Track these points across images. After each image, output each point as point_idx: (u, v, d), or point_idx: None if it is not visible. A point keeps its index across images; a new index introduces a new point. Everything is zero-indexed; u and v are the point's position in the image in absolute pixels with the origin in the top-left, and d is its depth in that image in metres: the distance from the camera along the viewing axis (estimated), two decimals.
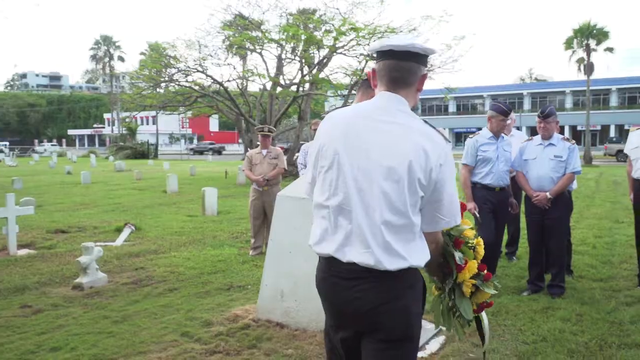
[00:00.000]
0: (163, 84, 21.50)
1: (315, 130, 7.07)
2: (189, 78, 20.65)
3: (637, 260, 5.41)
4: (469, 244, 2.13)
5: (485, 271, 2.16)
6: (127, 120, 42.72)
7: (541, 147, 5.09)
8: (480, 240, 2.20)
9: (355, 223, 1.83)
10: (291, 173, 19.20)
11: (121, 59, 68.81)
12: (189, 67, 19.93)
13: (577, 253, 6.42)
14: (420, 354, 3.63)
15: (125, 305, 4.81)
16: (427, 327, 4.07)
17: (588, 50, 45.89)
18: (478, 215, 5.06)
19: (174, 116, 39.19)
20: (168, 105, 23.00)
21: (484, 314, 2.40)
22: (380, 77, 1.93)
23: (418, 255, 1.85)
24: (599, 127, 52.90)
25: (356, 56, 20.08)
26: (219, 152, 56.32)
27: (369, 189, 1.82)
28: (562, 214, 5.10)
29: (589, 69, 46.29)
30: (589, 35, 45.14)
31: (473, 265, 2.11)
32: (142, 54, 28.47)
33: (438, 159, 1.82)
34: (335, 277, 1.89)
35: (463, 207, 2.13)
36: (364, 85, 3.04)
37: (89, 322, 4.35)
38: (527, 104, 60.59)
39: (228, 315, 4.44)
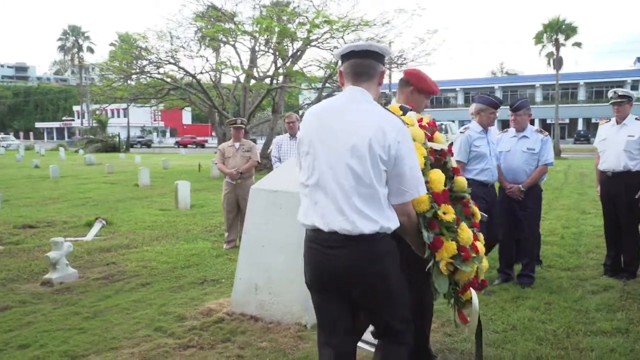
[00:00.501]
0: (134, 76, 21.09)
1: (289, 123, 7.06)
2: (161, 70, 20.31)
3: (603, 249, 5.58)
4: (450, 228, 2.37)
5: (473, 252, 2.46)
6: (97, 112, 41.87)
7: (515, 139, 5.19)
8: (464, 225, 2.51)
9: (330, 196, 2.16)
10: (265, 166, 19.15)
11: (90, 50, 67.13)
12: (160, 58, 19.60)
13: (545, 243, 6.57)
14: None
15: (96, 300, 4.74)
16: None
17: (557, 45, 46.77)
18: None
19: (145, 109, 38.50)
20: (139, 98, 22.59)
21: (474, 293, 2.64)
22: (346, 74, 2.29)
23: (387, 220, 2.17)
24: (567, 121, 54.08)
25: (330, 49, 20.05)
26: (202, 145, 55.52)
27: (338, 166, 2.15)
28: (535, 205, 5.21)
29: (558, 63, 47.22)
30: (558, 30, 45.99)
31: (451, 246, 2.38)
32: (112, 45, 27.98)
33: (396, 137, 2.13)
34: (320, 245, 2.20)
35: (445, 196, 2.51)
36: (400, 84, 3.16)
37: (59, 318, 4.27)
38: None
39: (202, 310, 4.41)
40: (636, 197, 5.02)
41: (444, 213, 2.42)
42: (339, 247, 2.15)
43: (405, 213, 2.26)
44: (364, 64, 2.24)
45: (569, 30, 45.95)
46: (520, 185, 5.06)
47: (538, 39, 47.60)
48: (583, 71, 58.98)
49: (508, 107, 5.31)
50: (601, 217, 5.56)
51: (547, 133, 5.36)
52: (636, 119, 5.18)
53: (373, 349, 3.54)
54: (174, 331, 3.97)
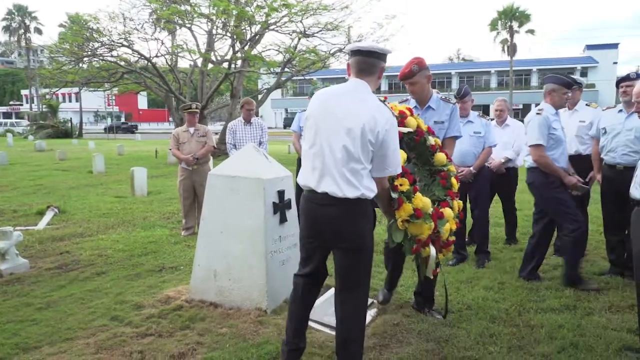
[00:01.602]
0: (85, 59, 20.29)
1: (247, 110, 6.95)
2: (114, 53, 19.60)
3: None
4: (404, 192, 2.93)
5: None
6: (47, 97, 40.20)
7: (460, 124, 5.30)
8: (419, 195, 3.01)
9: (326, 165, 2.69)
10: (224, 152, 18.90)
11: (38, 31, 64.20)
12: (113, 41, 18.92)
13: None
14: None
15: (49, 291, 4.60)
16: None
17: (511, 32, 47.84)
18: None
19: (99, 93, 37.13)
20: (92, 82, 21.73)
21: (432, 250, 3.11)
22: (352, 68, 2.81)
23: (367, 189, 2.70)
24: (521, 106, 55.58)
25: (289, 33, 19.89)
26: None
27: (335, 143, 2.67)
28: (483, 186, 5.39)
29: (512, 50, 48.37)
30: (512, 18, 47.00)
31: (407, 207, 2.93)
32: (61, 26, 26.84)
33: (384, 125, 2.64)
34: (314, 203, 2.77)
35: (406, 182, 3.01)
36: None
37: (9, 310, 4.12)
38: (455, 84, 62.56)
39: (160, 297, 4.35)
40: (586, 179, 5.22)
41: (401, 185, 2.96)
42: (327, 205, 2.70)
43: (381, 184, 2.83)
44: (367, 61, 2.76)
45: (523, 18, 47.09)
46: (471, 168, 5.22)
47: (493, 25, 48.62)
48: (536, 58, 60.70)
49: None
50: None
51: (489, 117, 5.53)
52: (586, 105, 5.37)
53: (327, 330, 3.61)
54: (131, 320, 3.89)
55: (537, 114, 4.53)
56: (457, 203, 3.52)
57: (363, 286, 2.85)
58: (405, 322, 3.82)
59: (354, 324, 2.83)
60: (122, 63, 19.55)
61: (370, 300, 4.18)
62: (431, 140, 3.43)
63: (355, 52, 2.78)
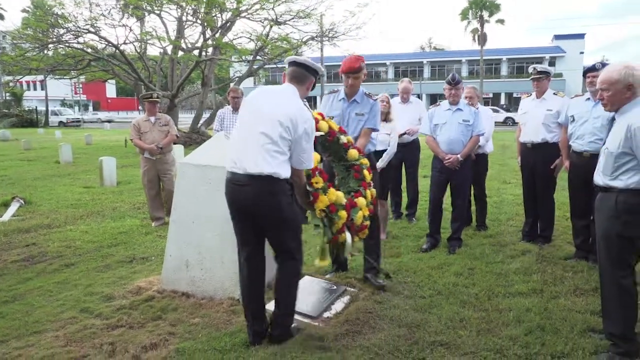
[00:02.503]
0: (50, 46, 19.69)
1: (234, 98, 6.95)
2: (80, 39, 19.06)
3: (522, 217, 5.93)
4: (317, 187, 3.27)
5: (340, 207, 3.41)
6: (10, 84, 38.91)
7: (450, 112, 5.37)
8: (332, 190, 3.38)
9: (248, 147, 3.05)
10: (195, 141, 18.66)
11: (0, 16, 62.11)
12: (79, 27, 18.38)
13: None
14: (326, 314, 3.75)
15: (15, 284, 4.50)
16: (333, 288, 4.22)
17: (482, 22, 48.33)
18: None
19: (65, 81, 36.04)
20: (57, 69, 21.05)
21: (348, 236, 3.51)
22: (287, 75, 3.28)
23: (282, 170, 3.04)
24: (491, 95, 56.39)
25: (260, 21, 19.68)
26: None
27: (258, 128, 3.05)
28: (467, 174, 5.46)
29: (482, 39, 48.90)
30: (482, 7, 47.43)
31: (323, 199, 3.29)
32: (24, 11, 25.88)
33: (303, 125, 3.05)
34: (235, 184, 3.08)
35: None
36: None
37: None
38: (426, 72, 63.08)
39: (131, 288, 4.29)
40: (552, 167, 5.34)
41: (316, 182, 3.30)
42: (246, 185, 3.02)
43: (300, 178, 3.21)
44: (299, 71, 3.26)
45: (493, 8, 47.59)
46: (459, 155, 5.26)
47: (464, 15, 49.04)
48: (505, 47, 61.54)
49: (444, 82, 5.47)
50: (521, 186, 5.89)
51: (477, 105, 5.60)
52: (554, 93, 5.47)
53: (307, 320, 3.63)
54: (102, 311, 3.84)
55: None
56: (370, 192, 3.89)
57: (293, 256, 3.21)
58: (377, 308, 3.86)
59: (288, 285, 3.25)
60: (89, 50, 19.00)
61: (343, 288, 4.22)
62: (343, 138, 3.82)
63: (291, 63, 3.28)
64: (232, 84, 22.90)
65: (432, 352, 3.19)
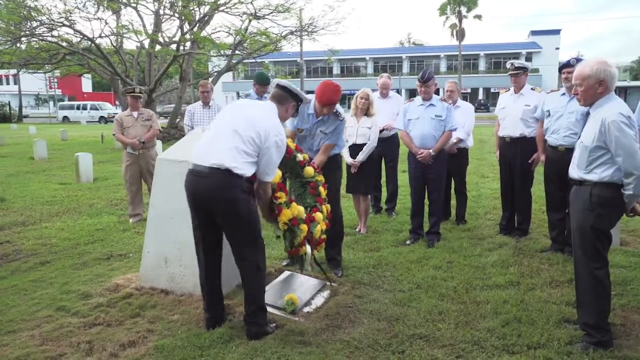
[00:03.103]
0: (23, 39, 19.22)
1: (203, 92, 6.89)
2: (55, 33, 18.63)
3: (500, 210, 6.01)
4: (280, 201, 3.45)
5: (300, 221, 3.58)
6: None
7: (422, 107, 5.40)
8: (294, 204, 3.56)
9: (219, 144, 3.17)
10: (173, 136, 18.46)
11: None
12: (53, 20, 17.94)
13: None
14: (306, 309, 3.76)
15: None
16: (313, 282, 4.23)
17: (460, 17, 48.70)
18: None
19: (39, 75, 35.25)
20: (31, 63, 20.56)
21: (308, 248, 3.68)
22: (271, 95, 3.54)
23: (244, 168, 3.13)
24: (469, 90, 56.94)
25: (239, 15, 19.50)
26: None
27: (231, 128, 3.20)
28: (441, 168, 5.50)
29: (461, 34, 49.31)
30: (460, 3, 47.76)
31: (287, 212, 3.46)
32: None
33: (274, 138, 3.19)
34: (196, 176, 3.17)
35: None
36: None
37: None
38: (406, 67, 63.36)
39: (108, 286, 4.24)
40: (529, 161, 5.42)
41: (279, 197, 3.47)
42: (206, 177, 3.11)
43: (266, 192, 3.37)
44: (281, 94, 3.50)
45: (471, 3, 47.98)
46: (431, 150, 5.30)
47: (442, 10, 49.37)
48: (483, 43, 62.15)
49: (416, 78, 5.48)
50: (498, 180, 5.97)
51: (450, 101, 5.65)
52: (532, 89, 5.55)
53: (279, 312, 3.63)
54: (79, 310, 3.78)
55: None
56: (326, 207, 4.09)
57: (251, 250, 3.26)
58: (357, 302, 3.88)
59: (251, 283, 3.28)
60: (64, 44, 18.59)
61: (322, 283, 4.23)
62: (300, 156, 3.98)
63: (276, 85, 3.55)
64: (210, 79, 22.70)
65: (411, 345, 3.22)
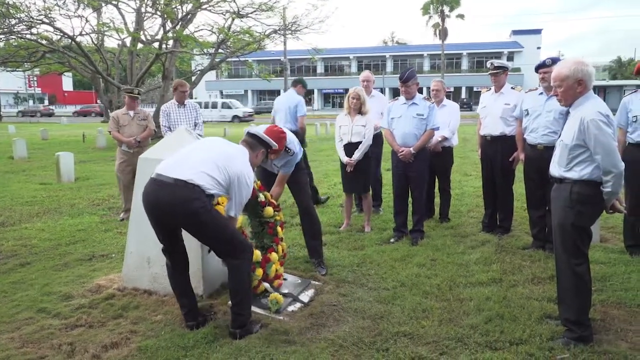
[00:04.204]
0: (2, 36, 18.90)
1: (181, 92, 6.90)
2: (34, 30, 18.35)
3: (482, 208, 6.07)
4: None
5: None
6: None
7: (405, 106, 5.43)
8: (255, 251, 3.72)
9: (190, 162, 3.24)
10: (156, 135, 18.29)
11: None
12: (32, 17, 17.65)
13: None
14: (290, 308, 3.76)
15: None
16: (298, 282, 4.23)
17: (442, 16, 49.00)
18: None
19: (19, 73, 34.68)
20: (9, 61, 20.23)
21: (266, 285, 3.91)
22: (243, 140, 3.63)
23: (207, 186, 3.15)
24: (452, 89, 57.37)
25: (222, 13, 19.40)
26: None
27: (206, 155, 3.30)
28: (423, 167, 5.53)
29: (444, 34, 49.62)
30: (443, 2, 48.05)
31: (257, 253, 3.75)
32: None
33: (240, 174, 3.26)
34: (157, 184, 3.16)
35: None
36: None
37: None
38: (389, 66, 63.60)
39: (90, 287, 4.19)
40: (510, 159, 5.48)
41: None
42: (166, 186, 3.11)
43: (234, 219, 3.43)
44: (252, 140, 3.63)
45: (453, 3, 48.30)
46: (412, 148, 5.33)
47: (425, 9, 49.64)
48: (466, 42, 62.64)
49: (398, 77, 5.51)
50: (481, 178, 6.02)
51: (433, 100, 5.69)
52: (512, 88, 5.61)
53: (266, 313, 3.62)
54: (60, 311, 3.73)
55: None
56: (282, 246, 4.22)
57: (232, 256, 3.29)
58: (342, 301, 3.89)
59: (234, 286, 3.31)
60: (43, 42, 18.33)
61: (307, 282, 4.23)
62: (262, 196, 4.07)
63: (248, 133, 3.65)
64: (193, 78, 22.55)
65: (395, 342, 3.23)
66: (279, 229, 4.22)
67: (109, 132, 6.84)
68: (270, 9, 19.27)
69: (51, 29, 18.24)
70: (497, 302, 3.81)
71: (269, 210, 4.10)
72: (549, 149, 4.45)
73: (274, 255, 4.04)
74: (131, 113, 6.81)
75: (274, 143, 3.70)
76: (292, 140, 4.30)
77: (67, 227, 6.25)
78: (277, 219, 4.21)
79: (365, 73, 6.74)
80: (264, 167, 4.58)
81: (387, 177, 7.33)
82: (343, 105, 5.94)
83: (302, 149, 4.63)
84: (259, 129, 3.77)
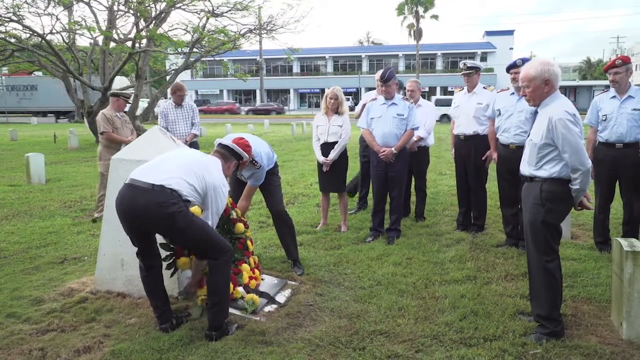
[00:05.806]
0: None
1: (180, 96, 7.21)
2: (2, 28, 17.89)
3: (457, 207, 6.14)
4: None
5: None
6: None
7: (385, 106, 5.46)
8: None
9: (167, 167, 3.23)
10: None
11: None
12: (0, 15, 17.29)
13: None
14: (267, 308, 3.75)
15: None
16: (275, 282, 4.22)
17: (417, 17, 49.42)
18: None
19: None
20: None
21: (241, 290, 3.86)
22: (215, 150, 3.65)
23: (182, 191, 3.13)
24: (427, 89, 57.94)
25: (197, 12, 19.21)
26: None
27: (185, 163, 3.29)
28: (403, 167, 5.57)
29: (418, 34, 50.06)
30: (417, 3, 48.45)
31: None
32: None
33: (216, 183, 3.29)
34: (135, 190, 3.11)
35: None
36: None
37: None
38: (365, 66, 63.90)
39: (62, 290, 4.11)
40: (483, 158, 5.56)
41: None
42: (142, 192, 3.07)
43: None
44: (224, 151, 3.63)
45: (428, 3, 48.74)
46: (393, 148, 5.36)
47: (400, 10, 50.01)
48: (440, 43, 63.33)
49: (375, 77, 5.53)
50: (455, 178, 6.09)
51: (412, 100, 5.73)
52: (484, 87, 5.70)
53: (242, 314, 3.61)
54: (30, 316, 3.65)
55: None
56: (253, 259, 4.23)
57: (210, 251, 3.28)
58: (318, 300, 3.89)
59: (212, 286, 3.29)
60: (12, 40, 17.88)
61: (284, 282, 4.22)
62: (234, 214, 4.11)
63: (219, 145, 3.66)
64: (167, 77, 22.29)
65: (372, 341, 3.25)
66: (249, 243, 4.22)
67: (101, 133, 6.63)
68: (245, 8, 19.15)
69: (20, 27, 17.80)
70: (472, 299, 3.86)
71: (240, 226, 4.10)
72: (521, 149, 4.51)
73: (245, 266, 4.03)
74: (119, 115, 6.79)
75: (245, 154, 3.70)
76: (258, 153, 4.27)
77: (38, 230, 6.11)
78: (247, 235, 4.22)
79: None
80: (233, 175, 4.56)
81: None
82: (319, 105, 5.94)
83: (273, 159, 4.56)
84: (227, 139, 3.74)
